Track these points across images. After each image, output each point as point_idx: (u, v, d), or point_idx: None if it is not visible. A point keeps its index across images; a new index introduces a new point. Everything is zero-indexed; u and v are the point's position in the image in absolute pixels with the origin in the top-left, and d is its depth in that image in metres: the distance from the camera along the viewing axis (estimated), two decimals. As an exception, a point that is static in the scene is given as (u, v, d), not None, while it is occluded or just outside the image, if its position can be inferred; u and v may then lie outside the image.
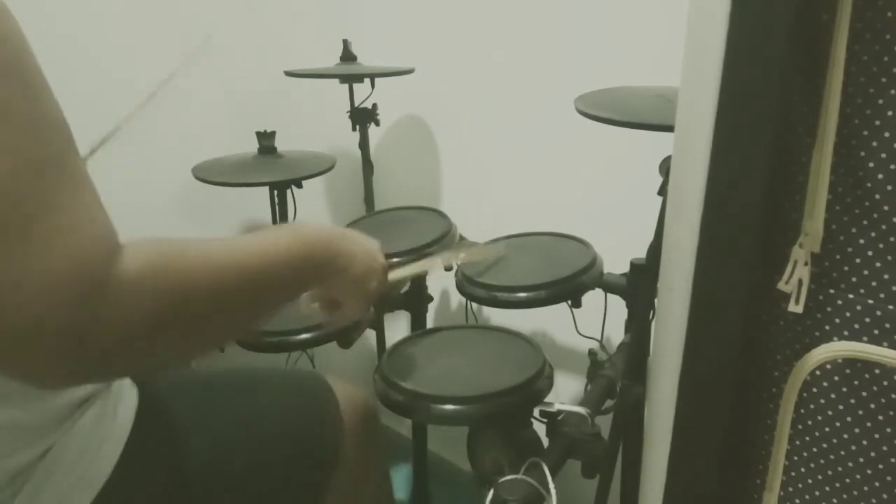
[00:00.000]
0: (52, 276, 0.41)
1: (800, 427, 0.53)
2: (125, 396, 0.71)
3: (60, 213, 0.43)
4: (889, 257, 0.46)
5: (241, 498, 0.78)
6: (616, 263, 1.02)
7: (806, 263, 0.49)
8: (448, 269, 1.09)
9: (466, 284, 0.98)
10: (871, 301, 0.47)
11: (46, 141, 0.44)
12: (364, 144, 1.49)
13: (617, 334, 1.09)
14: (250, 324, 0.61)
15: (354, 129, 1.46)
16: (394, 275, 0.85)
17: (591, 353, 1.02)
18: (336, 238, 0.69)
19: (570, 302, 0.98)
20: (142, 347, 0.47)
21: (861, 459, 0.50)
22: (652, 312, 0.82)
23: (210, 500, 0.75)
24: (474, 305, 1.39)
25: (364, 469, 0.93)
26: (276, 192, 1.36)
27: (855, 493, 0.51)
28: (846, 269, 0.48)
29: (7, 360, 0.43)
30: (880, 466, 0.49)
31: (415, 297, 1.32)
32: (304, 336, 1.02)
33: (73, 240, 0.43)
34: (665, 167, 0.76)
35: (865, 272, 0.48)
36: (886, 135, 0.45)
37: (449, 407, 0.81)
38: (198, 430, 0.76)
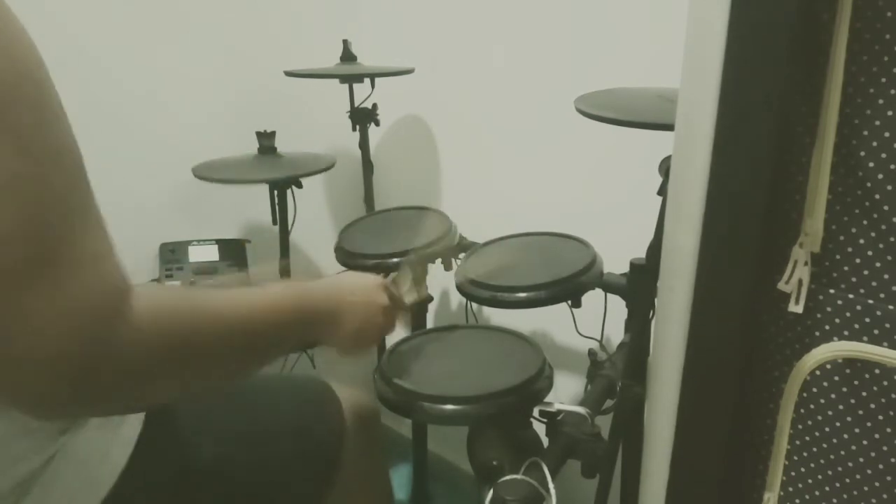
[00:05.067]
0: (69, 313, 0.41)
1: (800, 427, 0.53)
2: None
3: (79, 247, 0.43)
4: (889, 257, 0.46)
5: (246, 499, 0.79)
6: (616, 263, 1.02)
7: (806, 263, 0.49)
8: (448, 269, 1.09)
9: (466, 284, 0.98)
10: (871, 301, 0.47)
11: (66, 173, 0.44)
12: (364, 144, 1.49)
13: (617, 334, 1.09)
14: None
15: (354, 129, 1.46)
16: (408, 298, 0.91)
17: (591, 353, 1.02)
18: (334, 295, 0.72)
19: (570, 302, 0.97)
20: (144, 386, 0.48)
21: (861, 459, 0.50)
22: (652, 312, 0.82)
23: (215, 501, 0.75)
24: (474, 305, 1.38)
25: (365, 470, 0.94)
26: (275, 192, 1.36)
27: (855, 493, 0.51)
28: (846, 269, 0.48)
29: (17, 392, 0.43)
30: (880, 466, 0.49)
31: (415, 297, 1.32)
32: (303, 336, 1.02)
33: (91, 275, 0.43)
34: (665, 167, 0.76)
35: (865, 272, 0.48)
36: (886, 135, 0.45)
37: (449, 407, 0.81)
38: (204, 434, 0.76)
